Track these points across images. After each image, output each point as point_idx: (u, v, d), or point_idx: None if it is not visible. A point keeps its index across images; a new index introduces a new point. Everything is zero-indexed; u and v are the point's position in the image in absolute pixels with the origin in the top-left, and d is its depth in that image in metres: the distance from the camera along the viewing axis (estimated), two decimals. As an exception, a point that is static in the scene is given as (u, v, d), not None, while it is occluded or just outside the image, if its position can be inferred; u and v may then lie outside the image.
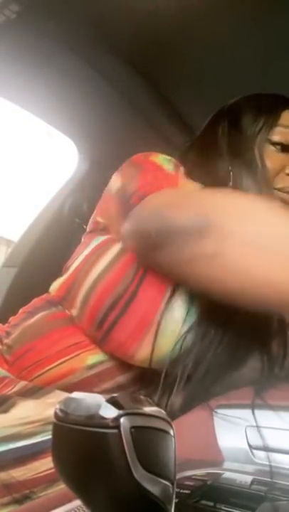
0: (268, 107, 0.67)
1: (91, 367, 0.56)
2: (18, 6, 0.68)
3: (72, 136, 1.08)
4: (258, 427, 0.42)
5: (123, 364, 0.56)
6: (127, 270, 0.54)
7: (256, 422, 0.42)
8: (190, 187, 0.60)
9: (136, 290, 0.53)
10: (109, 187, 0.63)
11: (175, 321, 0.53)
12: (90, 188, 1.09)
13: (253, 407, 0.44)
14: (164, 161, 0.61)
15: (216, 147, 0.67)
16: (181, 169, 0.63)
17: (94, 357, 0.56)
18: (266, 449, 0.41)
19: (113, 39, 0.83)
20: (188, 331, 0.53)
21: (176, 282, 0.52)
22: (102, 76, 0.91)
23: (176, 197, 0.52)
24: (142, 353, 0.53)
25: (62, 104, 0.97)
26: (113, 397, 0.22)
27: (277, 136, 0.65)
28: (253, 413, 0.43)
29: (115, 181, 0.62)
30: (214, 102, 0.72)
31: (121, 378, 0.57)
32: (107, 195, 0.63)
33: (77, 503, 0.32)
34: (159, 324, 0.52)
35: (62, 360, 0.56)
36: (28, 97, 0.93)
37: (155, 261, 0.51)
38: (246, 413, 0.45)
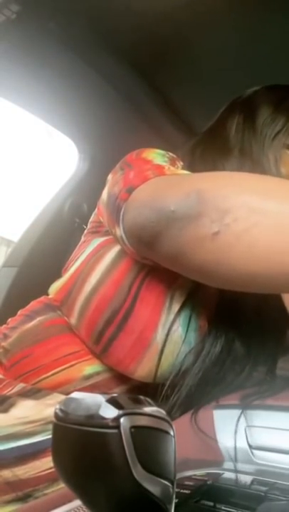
0: (286, 105, 0.62)
1: (87, 377, 0.55)
2: (18, 6, 0.68)
3: (72, 136, 1.08)
4: (258, 427, 0.42)
5: (120, 375, 0.56)
6: (122, 282, 0.53)
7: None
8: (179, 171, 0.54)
9: (131, 306, 0.52)
10: (105, 189, 0.60)
11: (174, 340, 0.52)
12: (90, 188, 1.09)
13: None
14: (156, 155, 0.56)
15: (227, 145, 0.62)
16: (179, 164, 0.59)
17: (90, 367, 0.55)
18: (267, 449, 0.41)
19: (113, 39, 0.83)
20: (190, 350, 0.52)
21: (181, 273, 0.48)
22: (102, 76, 0.91)
23: (165, 182, 0.47)
24: (143, 371, 0.52)
25: (62, 104, 0.97)
26: (113, 397, 0.22)
27: None
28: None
29: (108, 182, 0.58)
30: (214, 101, 0.72)
31: (118, 389, 0.56)
32: (101, 199, 0.60)
33: (77, 503, 0.32)
34: (164, 342, 0.51)
35: (59, 369, 0.55)
36: (28, 97, 0.93)
37: (157, 253, 0.47)
38: (246, 413, 0.44)
